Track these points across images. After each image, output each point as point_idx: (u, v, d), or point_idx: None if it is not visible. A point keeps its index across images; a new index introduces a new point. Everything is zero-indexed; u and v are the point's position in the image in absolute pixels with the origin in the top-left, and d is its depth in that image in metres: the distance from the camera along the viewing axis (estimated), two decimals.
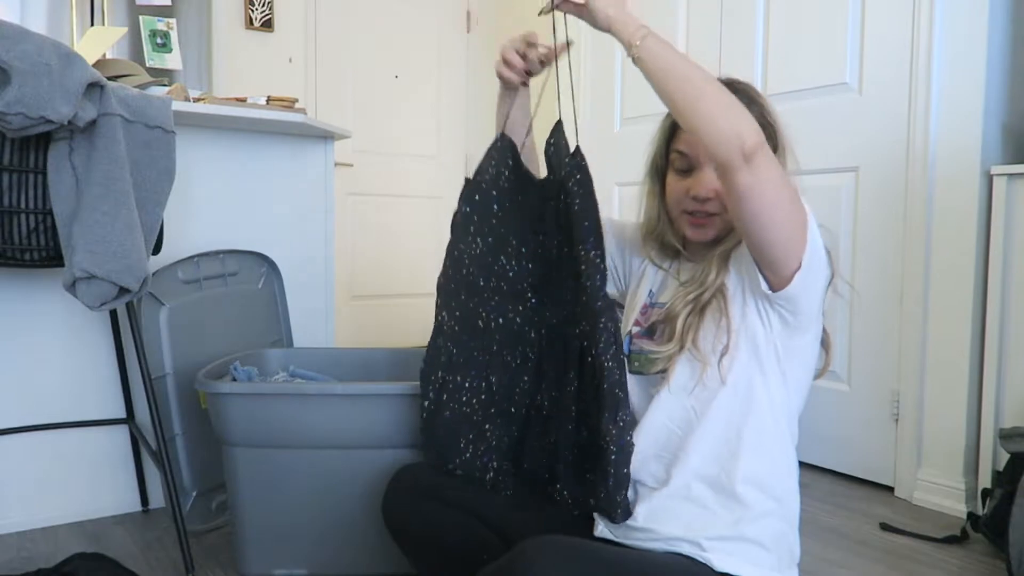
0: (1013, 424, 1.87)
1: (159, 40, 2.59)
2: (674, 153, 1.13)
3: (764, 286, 1.01)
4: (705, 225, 1.10)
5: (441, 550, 1.23)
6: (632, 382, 1.11)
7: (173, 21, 2.65)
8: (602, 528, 1.09)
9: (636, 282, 1.24)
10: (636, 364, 1.13)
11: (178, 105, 1.75)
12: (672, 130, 1.15)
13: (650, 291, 1.20)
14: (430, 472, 1.32)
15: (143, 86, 1.88)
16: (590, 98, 3.13)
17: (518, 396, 1.19)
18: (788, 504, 1.07)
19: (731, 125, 0.92)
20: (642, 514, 1.05)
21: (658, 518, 1.04)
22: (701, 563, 1.00)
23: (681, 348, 1.05)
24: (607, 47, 2.98)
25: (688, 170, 1.11)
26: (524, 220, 1.17)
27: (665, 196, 1.16)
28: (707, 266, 1.08)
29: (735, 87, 1.06)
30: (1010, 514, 1.59)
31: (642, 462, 1.07)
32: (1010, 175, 1.90)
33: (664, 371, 1.07)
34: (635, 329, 1.16)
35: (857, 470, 2.26)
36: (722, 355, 1.03)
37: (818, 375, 1.12)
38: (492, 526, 1.19)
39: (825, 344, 1.12)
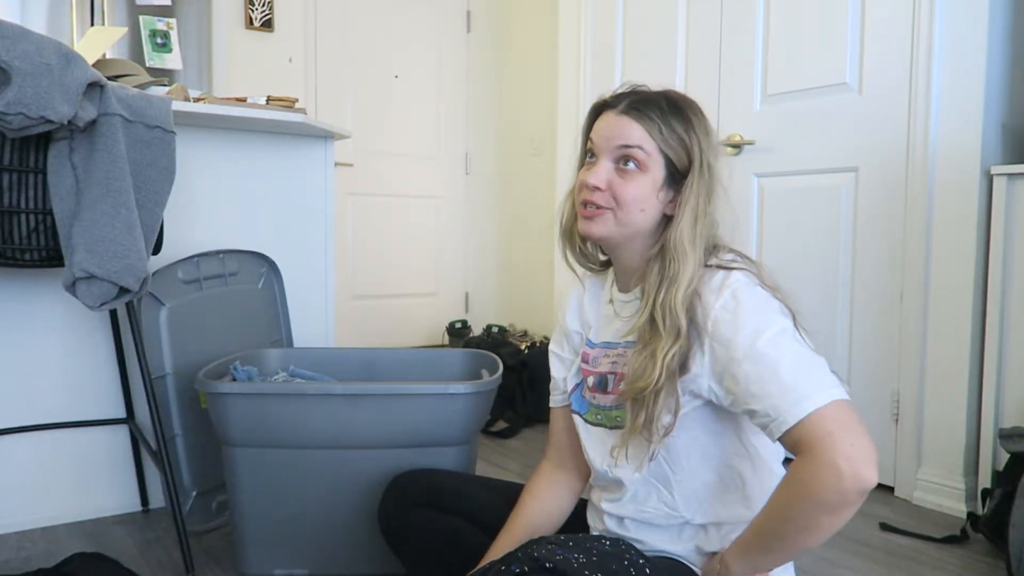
0: (1013, 424, 1.87)
1: (159, 40, 2.59)
2: (589, 143, 1.05)
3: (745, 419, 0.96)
4: (593, 218, 1.01)
5: (438, 557, 1.22)
6: (596, 434, 1.08)
7: (173, 21, 2.65)
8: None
9: (579, 339, 1.18)
10: (598, 417, 1.09)
11: (178, 105, 1.75)
12: (591, 120, 1.06)
13: (585, 338, 1.15)
14: (425, 479, 1.32)
15: (143, 86, 1.88)
16: (590, 91, 3.13)
17: None
18: None
19: (834, 511, 0.85)
20: (633, 527, 1.05)
21: (648, 535, 1.04)
22: (689, 567, 1.01)
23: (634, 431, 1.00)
24: (607, 42, 2.98)
25: (591, 161, 1.04)
26: None
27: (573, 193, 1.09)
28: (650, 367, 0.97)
29: (674, 101, 1.01)
30: (1010, 514, 1.59)
31: (637, 500, 1.04)
32: (1010, 175, 1.90)
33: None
34: (591, 380, 1.10)
35: None
36: (666, 433, 0.97)
37: None
38: (488, 531, 1.19)
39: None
